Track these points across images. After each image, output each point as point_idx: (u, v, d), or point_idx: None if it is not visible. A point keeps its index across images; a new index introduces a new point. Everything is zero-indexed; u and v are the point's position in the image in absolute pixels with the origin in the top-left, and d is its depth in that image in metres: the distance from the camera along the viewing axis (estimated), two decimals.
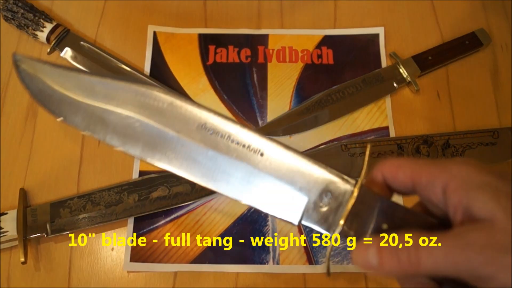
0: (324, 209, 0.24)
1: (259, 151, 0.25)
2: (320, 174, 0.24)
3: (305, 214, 0.24)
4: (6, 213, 0.41)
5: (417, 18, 0.52)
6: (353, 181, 0.24)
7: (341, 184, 0.24)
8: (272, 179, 0.24)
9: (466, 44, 0.49)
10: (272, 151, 0.25)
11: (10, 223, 0.41)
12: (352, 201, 0.23)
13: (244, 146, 0.25)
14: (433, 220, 0.23)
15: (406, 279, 0.24)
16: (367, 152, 0.25)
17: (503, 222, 0.20)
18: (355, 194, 0.23)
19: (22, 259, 0.39)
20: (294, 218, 0.25)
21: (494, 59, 0.50)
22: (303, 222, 0.24)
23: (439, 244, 0.20)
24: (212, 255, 0.42)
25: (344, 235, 0.24)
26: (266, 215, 0.43)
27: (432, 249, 0.21)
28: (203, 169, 0.25)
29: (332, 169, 0.24)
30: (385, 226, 0.23)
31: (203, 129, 0.25)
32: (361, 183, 0.24)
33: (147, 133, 0.25)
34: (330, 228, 0.24)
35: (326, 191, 0.24)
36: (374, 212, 0.23)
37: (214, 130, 0.25)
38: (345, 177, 0.24)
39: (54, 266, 0.41)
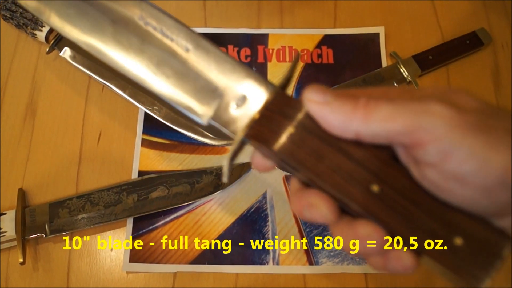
0: (236, 111, 0.23)
1: (185, 45, 0.24)
2: (242, 76, 0.23)
3: (216, 113, 0.23)
4: (5, 214, 0.41)
5: (417, 18, 0.52)
6: (274, 85, 0.23)
7: (259, 89, 0.23)
8: (192, 72, 0.24)
9: (466, 44, 0.49)
10: (199, 47, 0.24)
11: (8, 223, 0.40)
12: (261, 107, 0.22)
13: (172, 40, 0.24)
14: None
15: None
16: (294, 60, 0.23)
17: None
18: (266, 100, 0.22)
19: (21, 260, 0.39)
20: (204, 116, 0.23)
21: (495, 58, 0.50)
22: (211, 122, 0.23)
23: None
24: (212, 255, 0.41)
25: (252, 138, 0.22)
26: (266, 215, 0.43)
27: (381, 107, 0.20)
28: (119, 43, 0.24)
29: (257, 74, 0.23)
30: (292, 130, 0.22)
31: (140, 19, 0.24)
32: (277, 90, 0.23)
33: (86, 16, 0.24)
34: (236, 131, 0.23)
35: (243, 94, 0.23)
36: (293, 122, 0.22)
37: (149, 22, 0.24)
38: (267, 82, 0.23)
39: (53, 267, 0.41)
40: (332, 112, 0.20)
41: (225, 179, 0.24)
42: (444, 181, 0.20)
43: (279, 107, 0.22)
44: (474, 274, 0.20)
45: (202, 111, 0.23)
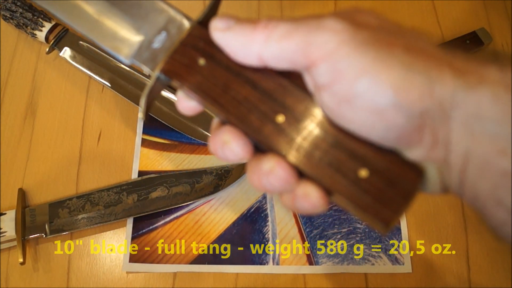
0: (156, 46, 0.23)
1: None
2: (164, 11, 0.23)
3: (138, 52, 0.23)
4: (5, 214, 0.41)
5: (418, 17, 0.52)
6: (192, 20, 0.23)
7: (180, 24, 0.23)
8: (112, 9, 0.23)
9: (467, 44, 0.49)
10: None
11: (8, 223, 0.40)
12: (178, 41, 0.22)
13: None
14: None
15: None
16: None
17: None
18: (184, 34, 0.22)
19: (21, 260, 0.39)
20: (126, 54, 0.23)
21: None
22: (134, 60, 0.23)
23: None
24: (212, 255, 0.41)
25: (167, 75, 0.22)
26: (266, 215, 0.43)
27: (279, 26, 0.19)
28: None
29: (178, 10, 0.23)
30: (202, 62, 0.22)
31: None
32: (193, 24, 0.22)
33: None
34: (154, 68, 0.23)
35: (163, 29, 0.23)
36: (204, 55, 0.22)
37: None
38: (187, 16, 0.23)
39: (53, 267, 0.41)
40: (234, 37, 0.20)
41: (140, 114, 0.24)
42: (337, 105, 0.18)
43: (193, 41, 0.22)
44: (382, 211, 0.18)
45: (125, 51, 0.23)
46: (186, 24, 0.23)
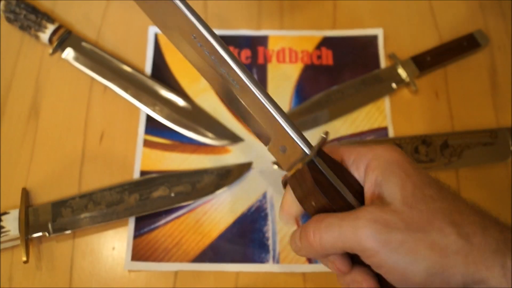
0: (282, 153, 0.27)
1: (234, 82, 0.26)
2: (283, 131, 0.26)
3: (270, 145, 0.27)
4: (8, 213, 0.42)
5: (415, 20, 0.53)
6: (306, 151, 0.26)
7: (296, 148, 0.26)
8: (246, 107, 0.27)
9: (464, 45, 0.50)
10: (247, 91, 0.26)
11: (12, 222, 0.41)
12: (295, 169, 0.26)
13: (225, 71, 0.26)
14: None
15: (323, 259, 0.26)
16: (325, 137, 0.26)
17: (397, 206, 0.22)
18: (299, 167, 0.26)
19: (24, 259, 0.39)
20: (263, 142, 0.28)
21: (492, 60, 0.50)
22: (268, 148, 0.28)
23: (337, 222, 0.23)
24: (212, 254, 0.42)
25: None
26: (266, 215, 0.43)
27: (330, 227, 0.23)
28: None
29: (295, 132, 0.26)
30: (314, 203, 0.26)
31: (194, 38, 0.25)
32: (308, 160, 0.26)
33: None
34: (284, 168, 0.28)
35: (283, 144, 0.26)
36: (306, 191, 0.26)
37: (203, 44, 0.25)
38: (301, 143, 0.26)
39: (56, 265, 0.42)
40: (305, 253, 0.26)
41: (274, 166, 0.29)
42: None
43: (303, 178, 0.26)
44: None
45: (260, 139, 0.28)
46: (301, 152, 0.26)
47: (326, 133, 0.26)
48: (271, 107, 0.26)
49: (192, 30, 0.25)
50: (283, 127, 0.26)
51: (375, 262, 0.22)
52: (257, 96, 0.25)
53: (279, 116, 0.26)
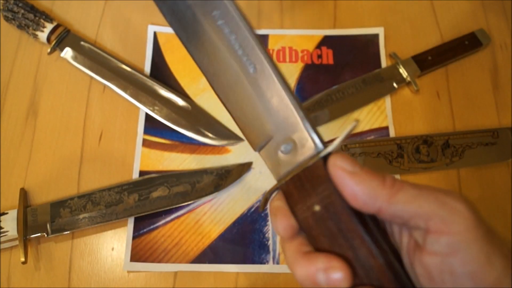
0: (280, 153, 0.23)
1: (251, 66, 0.23)
2: (295, 122, 0.23)
3: (266, 147, 0.24)
4: (7, 213, 0.41)
5: (416, 19, 0.52)
6: (319, 147, 0.22)
7: (308, 145, 0.23)
8: (254, 97, 0.24)
9: (465, 44, 0.49)
10: (265, 73, 0.23)
11: (10, 223, 0.41)
12: (302, 167, 0.22)
13: (243, 52, 0.23)
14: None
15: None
16: (349, 129, 0.22)
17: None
18: (309, 163, 0.22)
19: (23, 259, 0.39)
20: (255, 145, 0.24)
21: (493, 59, 0.50)
22: (261, 153, 0.24)
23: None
24: (212, 255, 0.42)
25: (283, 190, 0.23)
26: (266, 215, 0.43)
27: (406, 188, 0.21)
28: (202, 48, 0.25)
29: (310, 124, 0.23)
30: (316, 208, 0.22)
31: (214, 17, 0.23)
32: (320, 156, 0.22)
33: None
34: (276, 175, 0.24)
35: (291, 140, 0.23)
36: (318, 189, 0.22)
37: (225, 22, 0.23)
38: (316, 137, 0.23)
39: (55, 266, 0.41)
40: (359, 184, 0.21)
41: (260, 209, 0.25)
42: (440, 272, 0.20)
43: (314, 176, 0.22)
44: None
45: (254, 140, 0.24)
46: (313, 148, 0.22)
47: (354, 125, 0.22)
48: (289, 93, 0.23)
49: (214, 7, 0.23)
50: (298, 117, 0.22)
51: (444, 242, 0.20)
52: (276, 81, 0.22)
53: (296, 104, 0.23)
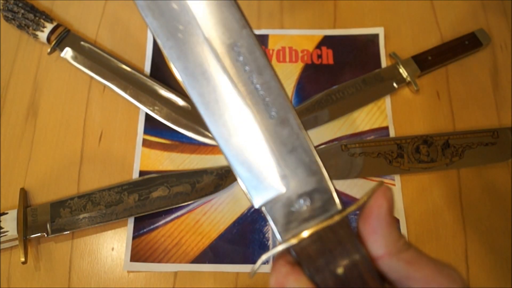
0: (293, 210, 0.21)
1: (272, 110, 0.20)
2: (319, 178, 0.20)
3: (272, 202, 0.21)
4: (7, 213, 0.41)
5: (416, 18, 0.52)
6: (339, 206, 0.21)
7: (327, 199, 0.21)
8: (264, 144, 0.20)
9: (465, 44, 0.49)
10: (289, 122, 0.20)
11: (10, 223, 0.41)
12: (325, 224, 0.20)
13: (263, 96, 0.20)
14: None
15: None
16: (372, 191, 0.21)
17: None
18: (335, 219, 0.20)
19: (22, 259, 0.39)
20: (259, 198, 0.20)
21: (493, 59, 0.50)
22: (263, 209, 0.21)
23: None
24: (212, 255, 0.42)
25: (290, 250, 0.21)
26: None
27: (412, 250, 0.21)
28: (204, 87, 0.20)
29: (329, 179, 0.21)
30: (339, 270, 0.20)
31: (232, 48, 0.20)
32: (346, 215, 0.21)
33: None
34: (284, 232, 0.21)
35: (308, 196, 0.21)
36: (337, 251, 0.20)
37: (244, 58, 0.20)
38: (335, 195, 0.21)
39: (54, 266, 0.41)
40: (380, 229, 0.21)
41: (251, 276, 0.22)
42: None
43: (336, 235, 0.20)
44: None
45: (256, 196, 0.20)
46: (336, 205, 0.21)
47: (379, 187, 0.20)
48: (313, 146, 0.20)
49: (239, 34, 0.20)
50: (324, 172, 0.20)
51: None
52: (299, 131, 0.20)
53: (319, 159, 0.20)
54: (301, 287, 0.20)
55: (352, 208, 0.21)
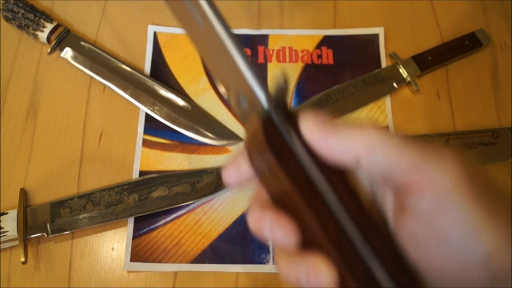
0: (243, 105, 0.22)
1: (200, 20, 0.21)
2: (244, 80, 0.20)
3: (233, 98, 0.22)
4: (7, 213, 0.41)
5: (416, 18, 0.52)
6: (265, 105, 0.20)
7: (257, 101, 0.20)
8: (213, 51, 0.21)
9: (465, 44, 0.49)
10: (208, 25, 0.20)
11: (10, 223, 0.41)
12: (250, 128, 0.20)
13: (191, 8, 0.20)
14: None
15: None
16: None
17: None
18: (255, 125, 0.20)
19: (23, 259, 0.39)
20: (234, 99, 0.23)
21: (493, 59, 0.50)
22: (229, 100, 0.23)
23: None
24: (212, 255, 0.42)
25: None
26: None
27: (392, 138, 0.18)
28: None
29: (258, 80, 0.20)
30: (266, 171, 0.20)
31: None
32: (266, 112, 0.20)
33: None
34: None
35: (244, 95, 0.21)
36: (262, 155, 0.20)
37: None
38: (263, 95, 0.20)
39: (54, 266, 0.41)
40: (331, 134, 0.18)
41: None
42: (425, 239, 0.17)
43: (257, 140, 0.20)
44: None
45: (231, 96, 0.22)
46: (260, 108, 0.20)
47: (283, 79, 0.19)
48: (232, 44, 0.20)
49: None
50: (241, 70, 0.20)
51: (428, 200, 0.17)
52: (216, 31, 0.20)
53: (240, 56, 0.20)
54: (276, 220, 0.19)
55: (269, 105, 0.20)
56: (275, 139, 0.20)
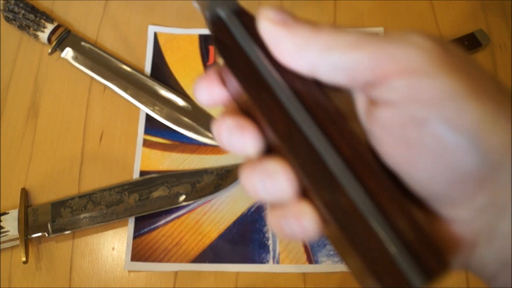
0: None
1: None
2: None
3: None
4: (7, 213, 0.42)
5: (416, 19, 0.52)
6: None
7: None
8: None
9: (465, 45, 0.50)
10: None
11: (11, 222, 0.41)
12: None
13: None
14: None
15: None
16: None
17: None
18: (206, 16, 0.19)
19: (23, 259, 0.39)
20: None
21: (493, 60, 0.50)
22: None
23: None
24: (212, 254, 0.42)
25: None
26: (266, 215, 0.43)
27: (347, 34, 0.16)
28: None
29: None
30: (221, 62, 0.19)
31: None
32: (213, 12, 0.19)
33: None
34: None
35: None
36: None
37: None
38: None
39: (55, 266, 0.42)
40: (288, 34, 0.17)
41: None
42: (400, 126, 0.15)
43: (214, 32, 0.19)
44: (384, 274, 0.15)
45: None
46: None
47: None
48: None
49: None
50: None
51: (398, 85, 0.15)
52: None
53: None
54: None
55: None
56: (224, 40, 0.18)
